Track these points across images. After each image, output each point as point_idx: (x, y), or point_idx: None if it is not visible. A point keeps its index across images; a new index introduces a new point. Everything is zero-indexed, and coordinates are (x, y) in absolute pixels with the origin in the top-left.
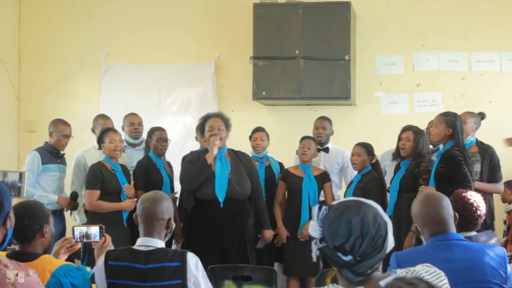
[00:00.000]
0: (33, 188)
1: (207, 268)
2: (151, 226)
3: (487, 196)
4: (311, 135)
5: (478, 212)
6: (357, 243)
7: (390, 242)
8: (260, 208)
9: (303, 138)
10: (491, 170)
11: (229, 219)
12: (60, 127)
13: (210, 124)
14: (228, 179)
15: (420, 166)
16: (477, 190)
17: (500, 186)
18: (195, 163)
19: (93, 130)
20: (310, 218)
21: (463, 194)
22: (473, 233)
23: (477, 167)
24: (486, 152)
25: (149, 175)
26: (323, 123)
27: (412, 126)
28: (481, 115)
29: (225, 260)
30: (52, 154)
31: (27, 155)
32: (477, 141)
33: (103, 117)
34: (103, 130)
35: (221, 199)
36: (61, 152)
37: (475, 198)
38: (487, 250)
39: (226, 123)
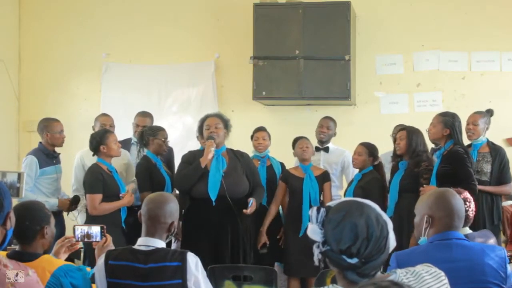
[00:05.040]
0: (33, 193)
1: (205, 268)
2: (152, 228)
3: (496, 196)
4: (312, 134)
5: (467, 208)
6: (363, 246)
7: (392, 242)
8: (258, 191)
9: (298, 139)
10: (501, 170)
11: (222, 218)
12: (54, 125)
13: (208, 123)
14: (222, 178)
15: (420, 166)
16: (484, 191)
17: (509, 187)
18: (190, 164)
19: (93, 129)
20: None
21: (461, 194)
22: (467, 229)
23: (487, 168)
24: (497, 152)
25: (152, 176)
26: (328, 122)
27: (407, 126)
28: (490, 112)
29: (219, 259)
30: (48, 155)
31: (23, 160)
32: (488, 141)
33: (104, 115)
34: (102, 133)
35: (213, 198)
36: (57, 152)
37: (465, 195)
38: (487, 251)
39: (225, 123)
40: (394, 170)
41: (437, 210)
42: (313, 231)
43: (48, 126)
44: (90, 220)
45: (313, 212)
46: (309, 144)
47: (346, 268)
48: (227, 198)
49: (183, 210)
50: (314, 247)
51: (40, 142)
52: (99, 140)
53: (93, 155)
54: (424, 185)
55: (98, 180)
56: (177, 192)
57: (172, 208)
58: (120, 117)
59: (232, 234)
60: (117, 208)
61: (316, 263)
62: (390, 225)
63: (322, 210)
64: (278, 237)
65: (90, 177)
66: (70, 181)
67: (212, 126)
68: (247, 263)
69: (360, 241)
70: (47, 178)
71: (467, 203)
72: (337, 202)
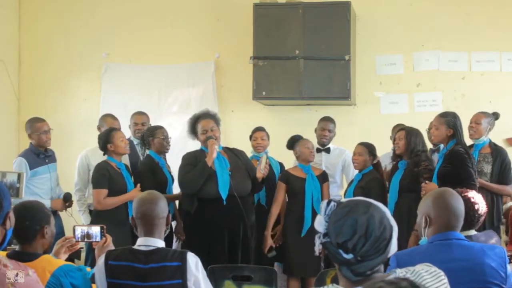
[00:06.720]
0: (24, 194)
1: (211, 267)
2: (152, 227)
3: (496, 198)
4: (312, 134)
5: (480, 212)
6: (359, 243)
7: (393, 247)
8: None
9: (298, 139)
10: (502, 171)
11: (233, 216)
12: (37, 126)
13: (203, 127)
14: (230, 176)
15: (420, 165)
16: (484, 189)
17: (510, 188)
18: (193, 165)
19: (99, 129)
20: (313, 219)
21: (465, 194)
22: (473, 232)
23: (488, 168)
24: (498, 153)
25: (154, 175)
26: (328, 125)
27: (406, 126)
28: (495, 115)
29: (232, 257)
30: (39, 156)
31: (14, 162)
32: (490, 142)
33: (111, 117)
34: (108, 132)
35: (224, 196)
36: (49, 151)
37: (476, 197)
38: (487, 251)
39: (217, 121)
40: (394, 170)
41: (434, 210)
42: (319, 222)
43: (32, 127)
44: (97, 218)
45: (323, 204)
46: (313, 146)
47: (342, 263)
48: (236, 197)
49: (191, 212)
50: (316, 237)
51: (31, 143)
52: (105, 139)
53: (104, 154)
54: (426, 182)
55: (103, 176)
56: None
57: (164, 203)
58: (120, 117)
59: (243, 231)
60: (122, 202)
61: (317, 253)
62: (395, 230)
63: (332, 203)
64: (272, 233)
65: (96, 173)
66: (70, 180)
67: (208, 130)
68: (251, 262)
69: (357, 237)
70: (40, 178)
71: (476, 205)
72: (349, 199)
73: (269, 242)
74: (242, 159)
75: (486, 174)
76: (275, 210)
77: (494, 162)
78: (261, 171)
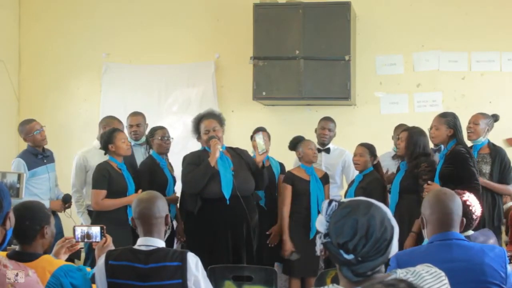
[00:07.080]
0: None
1: (211, 267)
2: (150, 226)
3: (497, 197)
4: (312, 134)
5: (475, 213)
6: (360, 244)
7: (394, 247)
8: None
9: (301, 140)
10: (502, 171)
11: (236, 216)
12: (28, 127)
13: (206, 127)
14: (233, 176)
15: (420, 167)
16: (485, 188)
17: (511, 188)
18: (196, 165)
19: (104, 127)
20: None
21: (459, 196)
22: (471, 232)
23: (486, 169)
24: (497, 153)
25: (154, 175)
26: (329, 124)
27: (409, 127)
28: (495, 117)
29: (235, 257)
30: (37, 156)
31: (12, 162)
32: (488, 142)
33: (117, 120)
34: (110, 132)
35: (227, 196)
36: (47, 152)
37: (471, 199)
38: (487, 251)
39: (220, 121)
40: (397, 171)
41: (427, 209)
42: (320, 222)
43: (24, 130)
44: (98, 218)
45: (324, 204)
46: (315, 146)
47: (342, 263)
48: (239, 197)
49: (194, 212)
50: (317, 237)
51: (29, 145)
52: (107, 139)
53: (105, 154)
54: (429, 182)
55: (103, 177)
56: (177, 195)
57: (162, 202)
58: (120, 117)
59: (247, 232)
60: (120, 205)
61: (318, 253)
62: (396, 230)
63: (334, 203)
64: (268, 233)
65: (96, 173)
66: (70, 180)
67: (211, 130)
68: (254, 262)
69: (357, 238)
70: (39, 178)
71: (471, 207)
72: (350, 199)
73: (289, 246)
74: (245, 159)
75: (485, 174)
76: (286, 213)
77: (493, 162)
78: (259, 153)
